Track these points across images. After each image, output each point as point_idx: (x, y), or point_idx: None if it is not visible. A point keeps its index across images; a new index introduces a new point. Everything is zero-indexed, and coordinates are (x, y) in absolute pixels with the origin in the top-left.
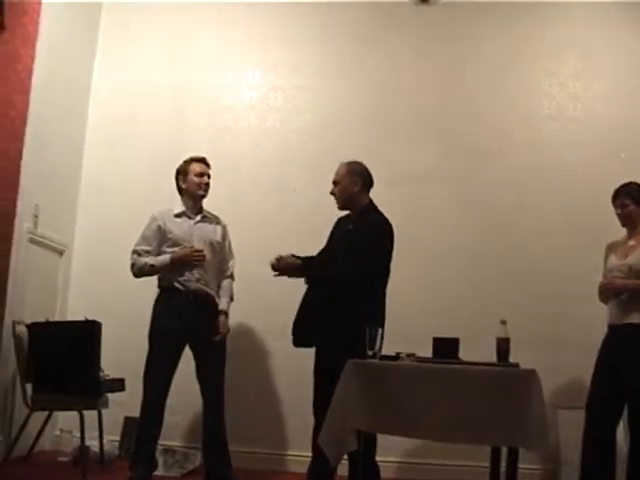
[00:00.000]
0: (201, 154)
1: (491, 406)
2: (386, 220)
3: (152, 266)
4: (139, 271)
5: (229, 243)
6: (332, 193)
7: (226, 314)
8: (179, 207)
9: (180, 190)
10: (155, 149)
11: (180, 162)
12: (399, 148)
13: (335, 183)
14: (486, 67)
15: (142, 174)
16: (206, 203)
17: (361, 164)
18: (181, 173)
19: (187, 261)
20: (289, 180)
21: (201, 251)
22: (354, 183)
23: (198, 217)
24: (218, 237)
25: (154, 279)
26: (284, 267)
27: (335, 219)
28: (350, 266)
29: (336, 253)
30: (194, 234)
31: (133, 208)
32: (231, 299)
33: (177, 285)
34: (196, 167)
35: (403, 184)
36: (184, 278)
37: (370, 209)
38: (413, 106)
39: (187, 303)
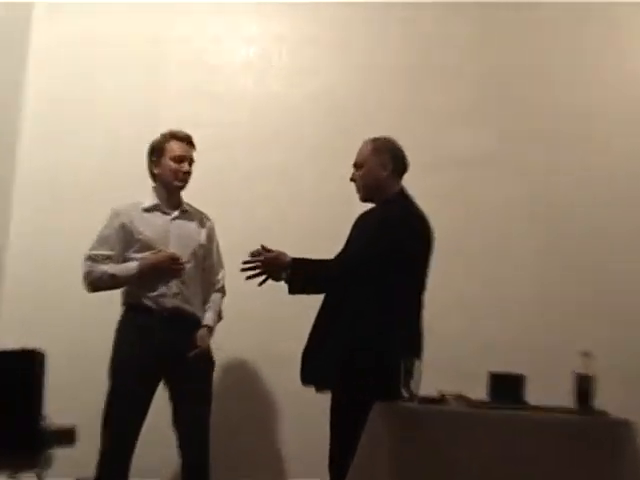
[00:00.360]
0: (182, 128)
1: (571, 468)
2: (420, 215)
3: (113, 276)
4: (95, 282)
5: (217, 247)
6: (352, 179)
7: (210, 330)
8: (150, 198)
9: (153, 175)
10: (118, 123)
11: (153, 137)
12: (446, 126)
13: (356, 166)
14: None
15: (100, 156)
16: (185, 195)
17: (391, 141)
18: (155, 152)
19: (161, 271)
20: (297, 165)
21: (179, 259)
22: (382, 166)
23: (176, 212)
24: (202, 239)
25: (117, 294)
26: (269, 262)
27: (356, 217)
28: (341, 262)
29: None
30: (170, 234)
31: (87, 200)
32: (219, 316)
33: (148, 302)
34: (175, 147)
35: (448, 171)
36: (157, 293)
37: (400, 199)
38: (467, 72)
39: (161, 325)
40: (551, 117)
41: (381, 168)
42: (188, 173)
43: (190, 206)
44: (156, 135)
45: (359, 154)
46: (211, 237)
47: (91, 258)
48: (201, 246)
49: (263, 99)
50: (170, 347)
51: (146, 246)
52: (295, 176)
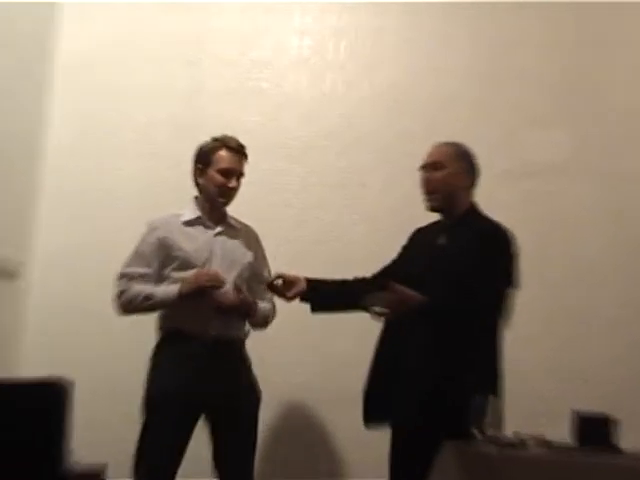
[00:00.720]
0: (226, 131)
1: None
2: (506, 230)
3: (150, 298)
4: (130, 304)
5: (266, 264)
6: (427, 180)
7: (249, 306)
8: (191, 210)
9: (197, 184)
10: (155, 127)
11: (193, 142)
12: (522, 130)
13: (434, 167)
14: None
15: (135, 163)
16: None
17: (467, 148)
18: (201, 159)
19: (202, 291)
20: (356, 172)
21: (222, 280)
22: (466, 172)
23: (220, 227)
24: (249, 257)
25: (152, 318)
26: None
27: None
28: (458, 298)
29: (412, 274)
30: (214, 251)
31: (121, 212)
32: (265, 321)
33: (188, 328)
34: (225, 158)
35: (526, 180)
36: (199, 317)
37: (477, 215)
38: (547, 72)
39: (204, 354)
40: (630, 121)
41: (464, 175)
42: (234, 189)
43: (235, 220)
44: (197, 139)
45: (438, 153)
46: (258, 254)
47: (125, 276)
48: (248, 265)
49: (317, 98)
50: (213, 378)
51: (186, 264)
52: (352, 183)
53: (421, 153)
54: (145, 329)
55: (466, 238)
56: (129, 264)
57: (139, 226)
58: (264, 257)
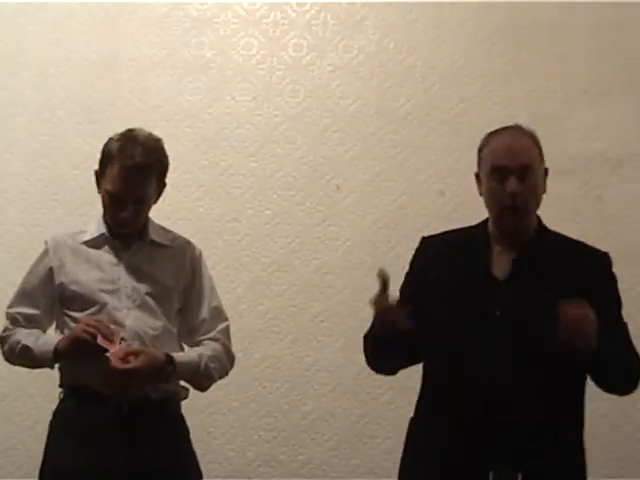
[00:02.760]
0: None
1: None
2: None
3: (27, 350)
4: (12, 354)
5: (206, 289)
6: (516, 194)
7: (173, 366)
8: (96, 226)
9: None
10: (48, 112)
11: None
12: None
13: (525, 171)
14: None
15: (21, 158)
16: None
17: None
18: (100, 162)
19: (85, 347)
20: (328, 171)
21: (111, 331)
22: (545, 173)
23: (134, 246)
24: (177, 284)
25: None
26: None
27: (407, 245)
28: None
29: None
30: (122, 283)
31: (4, 228)
32: (207, 373)
33: (96, 386)
34: (114, 177)
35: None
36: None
37: (552, 232)
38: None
39: (116, 423)
40: None
41: (544, 177)
42: (129, 220)
43: (164, 233)
44: (111, 129)
45: (527, 151)
46: (194, 280)
47: (11, 317)
48: (171, 298)
49: (272, 73)
50: (129, 458)
51: (85, 302)
52: (324, 185)
53: (418, 144)
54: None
55: (553, 269)
56: (12, 302)
57: (33, 245)
58: (205, 284)
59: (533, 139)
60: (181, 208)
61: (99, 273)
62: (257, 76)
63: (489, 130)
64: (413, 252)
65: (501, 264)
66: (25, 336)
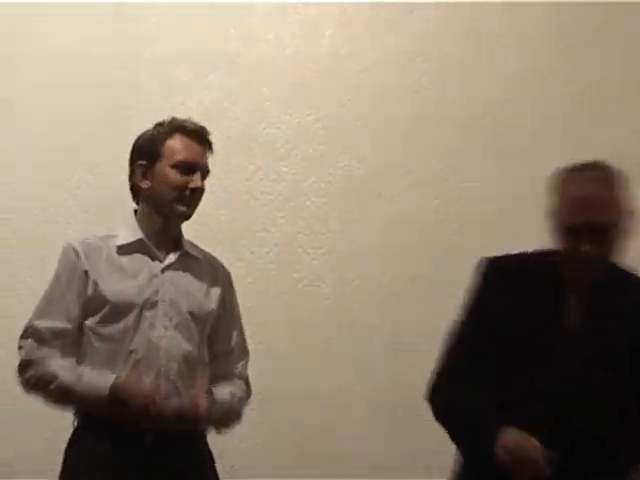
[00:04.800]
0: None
1: None
2: None
3: (66, 391)
4: (36, 386)
5: (236, 315)
6: (588, 257)
7: (214, 402)
8: (130, 230)
9: (136, 192)
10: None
11: (140, 127)
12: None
13: (608, 229)
14: None
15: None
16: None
17: None
18: (145, 153)
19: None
20: (367, 176)
21: (154, 402)
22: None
23: (171, 256)
24: (212, 304)
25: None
26: None
27: (454, 259)
28: None
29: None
30: (159, 297)
31: (23, 230)
32: (236, 414)
33: (117, 418)
34: (182, 146)
35: None
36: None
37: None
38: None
39: (138, 459)
40: None
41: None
42: (199, 192)
43: (194, 246)
44: (126, 129)
45: (607, 206)
46: (225, 299)
47: (33, 334)
48: (208, 314)
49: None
50: None
51: (115, 314)
52: (365, 192)
53: (463, 147)
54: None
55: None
56: (38, 313)
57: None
58: (235, 309)
59: (618, 184)
60: (202, 215)
61: (135, 283)
62: (288, 71)
63: (535, 132)
64: (471, 273)
65: (574, 310)
66: (63, 370)
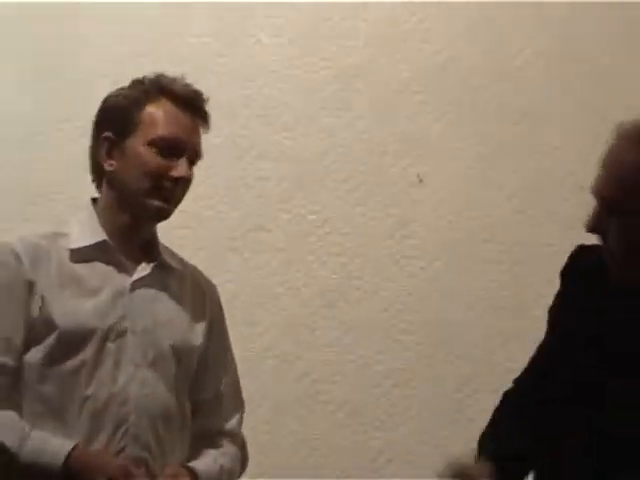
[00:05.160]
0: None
1: None
2: None
3: (5, 454)
4: None
5: (227, 350)
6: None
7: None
8: (87, 228)
9: (97, 173)
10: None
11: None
12: None
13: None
14: None
15: None
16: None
17: None
18: (113, 122)
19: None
20: (405, 154)
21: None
22: None
23: (144, 267)
24: (198, 335)
25: None
26: None
27: (523, 266)
28: None
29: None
30: (129, 323)
31: None
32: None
33: None
34: (164, 116)
35: None
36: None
37: None
38: None
39: None
40: None
41: None
42: (183, 183)
43: (171, 254)
44: (86, 84)
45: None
46: (214, 329)
47: None
48: (190, 351)
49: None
50: None
51: (71, 344)
52: (404, 175)
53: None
54: None
55: None
56: None
57: None
58: (226, 342)
59: None
60: (178, 211)
61: (95, 303)
62: (292, 9)
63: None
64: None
65: None
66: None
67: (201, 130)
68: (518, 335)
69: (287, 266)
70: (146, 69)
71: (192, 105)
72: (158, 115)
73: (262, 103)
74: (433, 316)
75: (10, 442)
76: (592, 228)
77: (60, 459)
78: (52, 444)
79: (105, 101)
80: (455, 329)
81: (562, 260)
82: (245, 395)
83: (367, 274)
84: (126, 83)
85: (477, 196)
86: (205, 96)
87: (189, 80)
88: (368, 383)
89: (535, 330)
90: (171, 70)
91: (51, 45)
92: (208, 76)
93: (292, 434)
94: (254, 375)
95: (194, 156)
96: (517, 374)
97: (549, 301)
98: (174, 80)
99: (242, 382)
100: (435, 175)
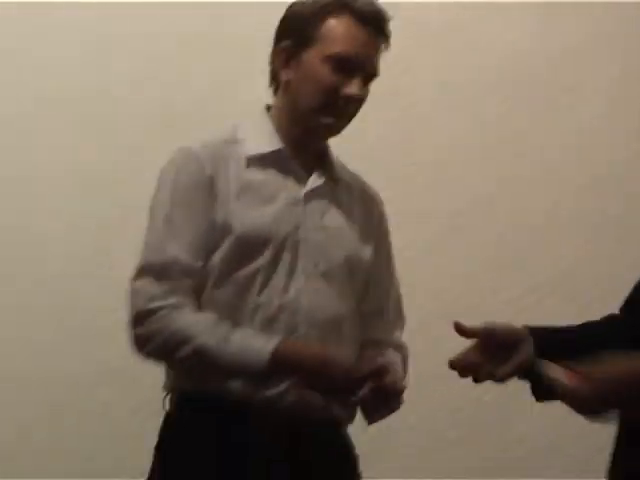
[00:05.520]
0: None
1: None
2: None
3: (207, 354)
4: (163, 347)
5: (392, 265)
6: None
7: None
8: (263, 136)
9: (276, 81)
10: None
11: None
12: None
13: None
14: None
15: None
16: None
17: None
18: (293, 30)
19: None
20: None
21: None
22: None
23: (316, 178)
24: (367, 250)
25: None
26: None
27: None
28: None
29: None
30: (302, 233)
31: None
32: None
33: (238, 392)
34: (346, 32)
35: None
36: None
37: None
38: None
39: (270, 449)
40: None
41: None
42: (355, 102)
43: (344, 168)
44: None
45: None
46: (381, 244)
47: (154, 273)
48: (363, 264)
49: None
50: None
51: (246, 250)
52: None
53: None
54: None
55: None
56: (156, 247)
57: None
58: (390, 256)
59: None
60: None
61: (272, 211)
62: None
63: None
64: None
65: None
66: (199, 327)
67: (382, 47)
68: None
69: None
70: None
71: (374, 23)
72: (338, 30)
73: None
74: None
75: (213, 342)
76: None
77: (266, 355)
78: (257, 340)
79: (289, 8)
80: None
81: None
82: None
83: None
84: None
85: None
86: (389, 15)
87: None
88: None
89: None
90: None
91: None
92: None
93: None
94: None
95: (370, 75)
96: None
97: None
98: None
99: None
100: None
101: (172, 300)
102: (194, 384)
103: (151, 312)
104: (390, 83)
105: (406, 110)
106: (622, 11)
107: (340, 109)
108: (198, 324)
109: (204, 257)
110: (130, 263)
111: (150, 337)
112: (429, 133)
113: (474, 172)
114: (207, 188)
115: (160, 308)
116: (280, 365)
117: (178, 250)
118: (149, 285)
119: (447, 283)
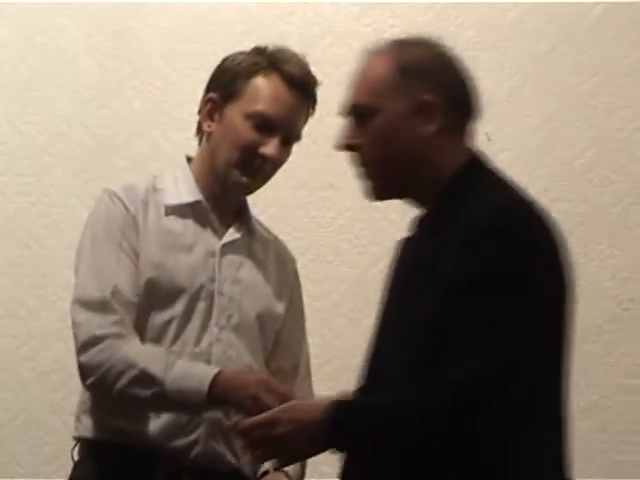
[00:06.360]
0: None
1: None
2: (526, 205)
3: (153, 382)
4: (109, 382)
5: (303, 321)
6: (348, 147)
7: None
8: (183, 186)
9: (201, 132)
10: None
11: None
12: None
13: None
14: None
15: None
16: None
17: (430, 46)
18: (220, 86)
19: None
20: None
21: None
22: (416, 112)
23: (233, 231)
24: (280, 306)
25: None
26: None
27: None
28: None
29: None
30: (217, 285)
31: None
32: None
33: (144, 440)
34: (270, 91)
35: None
36: (165, 421)
37: (473, 180)
38: None
39: None
40: None
41: (412, 117)
42: (270, 162)
43: (261, 224)
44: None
45: (358, 86)
46: (294, 300)
47: (98, 301)
48: (276, 321)
49: None
50: None
51: (162, 297)
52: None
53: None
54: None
55: (455, 240)
56: (96, 278)
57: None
58: (302, 313)
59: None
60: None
61: (189, 260)
62: None
63: None
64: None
65: None
66: (142, 355)
67: (308, 112)
68: None
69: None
70: None
71: (301, 87)
72: (263, 89)
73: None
74: None
75: (158, 371)
76: (346, 145)
77: (206, 383)
78: (198, 369)
79: (223, 60)
80: None
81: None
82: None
83: None
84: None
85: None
86: (317, 80)
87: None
88: None
89: None
90: None
91: None
92: None
93: None
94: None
95: (291, 137)
96: None
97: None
98: (292, 57)
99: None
100: (504, 134)
101: (117, 329)
102: (103, 433)
103: (98, 339)
104: None
105: None
106: None
107: (256, 168)
108: (144, 351)
109: (134, 290)
110: None
111: (97, 365)
112: None
113: None
114: (132, 226)
115: (106, 336)
116: (224, 388)
117: (120, 283)
118: (93, 317)
119: None
